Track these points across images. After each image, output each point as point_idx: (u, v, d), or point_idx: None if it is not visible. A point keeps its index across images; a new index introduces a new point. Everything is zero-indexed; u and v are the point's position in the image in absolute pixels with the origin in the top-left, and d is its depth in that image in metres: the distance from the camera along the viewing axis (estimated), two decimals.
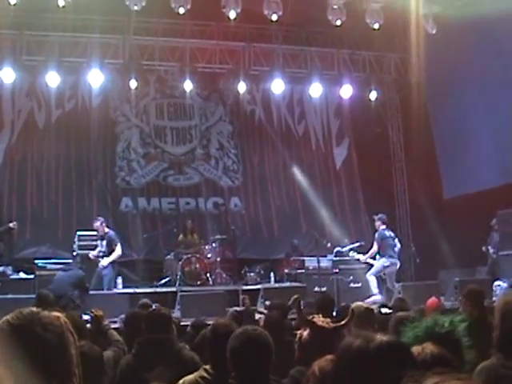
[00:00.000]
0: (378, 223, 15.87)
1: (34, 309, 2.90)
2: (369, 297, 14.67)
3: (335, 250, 16.89)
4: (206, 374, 4.58)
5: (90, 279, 14.63)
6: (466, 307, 8.13)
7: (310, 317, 4.72)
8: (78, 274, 13.49)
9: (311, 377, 3.09)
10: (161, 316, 5.95)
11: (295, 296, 5.78)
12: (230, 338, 4.11)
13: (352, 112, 20.28)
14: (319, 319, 4.57)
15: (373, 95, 19.30)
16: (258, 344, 4.01)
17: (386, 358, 2.29)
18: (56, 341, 2.71)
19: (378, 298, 14.51)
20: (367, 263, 16.06)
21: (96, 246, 15.34)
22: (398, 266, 15.90)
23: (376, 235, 15.71)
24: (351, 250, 16.63)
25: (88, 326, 6.94)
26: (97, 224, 15.35)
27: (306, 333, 4.50)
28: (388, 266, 15.59)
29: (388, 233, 15.84)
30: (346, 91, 19.04)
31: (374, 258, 15.78)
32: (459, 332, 3.53)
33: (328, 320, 4.62)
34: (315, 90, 18.97)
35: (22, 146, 18.21)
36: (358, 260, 16.23)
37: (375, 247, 15.60)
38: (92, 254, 15.08)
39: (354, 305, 6.71)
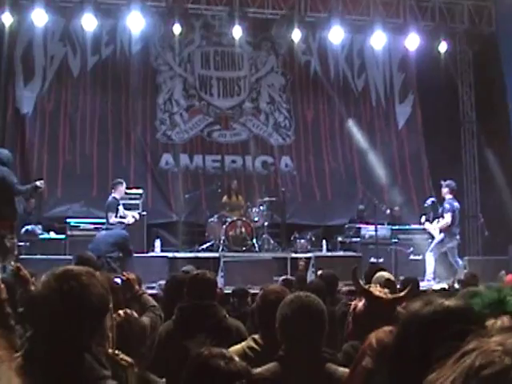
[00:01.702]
0: (445, 190, 15.55)
1: (76, 267, 2.99)
2: (421, 280, 14.51)
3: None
4: (254, 345, 4.62)
5: (140, 240, 14.88)
6: None
7: (367, 286, 4.74)
8: (120, 234, 13.65)
9: (368, 349, 3.10)
10: (205, 280, 5.99)
11: (354, 266, 5.77)
12: (280, 305, 4.14)
13: (418, 66, 20.02)
14: (376, 289, 4.59)
15: (442, 47, 19.01)
16: (311, 312, 4.01)
17: (458, 323, 2.29)
18: (90, 308, 2.78)
19: (431, 283, 14.39)
20: (430, 234, 15.97)
21: (133, 206, 15.52)
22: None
23: (447, 206, 15.36)
24: (424, 214, 16.25)
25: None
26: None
27: (361, 304, 4.52)
28: (451, 246, 15.43)
29: (456, 204, 15.61)
30: (412, 42, 18.79)
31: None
32: None
33: (386, 291, 4.64)
34: (377, 40, 18.77)
35: (55, 96, 18.37)
36: (424, 229, 16.08)
37: (448, 218, 15.25)
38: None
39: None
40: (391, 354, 2.50)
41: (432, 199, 16.89)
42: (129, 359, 3.46)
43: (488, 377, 1.14)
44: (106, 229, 13.88)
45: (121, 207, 14.67)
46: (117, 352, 3.32)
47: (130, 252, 13.49)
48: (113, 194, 14.54)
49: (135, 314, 4.95)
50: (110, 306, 2.99)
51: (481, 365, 1.16)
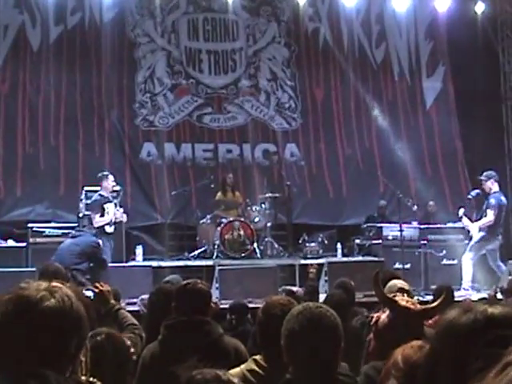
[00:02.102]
0: (488, 183, 15.51)
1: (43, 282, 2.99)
2: (457, 289, 14.52)
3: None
4: (256, 367, 4.63)
5: (118, 247, 14.97)
6: None
7: (392, 295, 4.75)
8: (88, 241, 13.59)
9: (393, 369, 3.11)
10: (197, 292, 5.99)
11: (377, 270, 5.77)
12: (285, 319, 4.13)
13: (450, 32, 20.04)
14: (402, 298, 4.60)
15: (479, 8, 19.04)
16: (323, 327, 3.99)
17: (506, 335, 2.29)
18: (65, 324, 2.79)
19: (469, 293, 14.39)
20: (467, 233, 15.97)
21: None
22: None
23: (492, 201, 15.33)
24: (462, 207, 16.19)
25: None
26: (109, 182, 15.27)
27: (384, 316, 4.52)
28: (492, 248, 15.44)
29: (504, 199, 15.58)
30: (443, 2, 18.82)
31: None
32: None
33: (414, 300, 4.64)
34: (400, 1, 18.80)
35: (11, 75, 18.33)
36: (463, 228, 16.09)
37: (491, 216, 15.23)
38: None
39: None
40: (422, 373, 2.51)
41: (477, 191, 16.86)
42: None
43: None
44: (73, 236, 13.84)
45: (111, 205, 14.86)
46: (91, 380, 3.32)
47: (102, 262, 13.43)
48: (99, 192, 14.88)
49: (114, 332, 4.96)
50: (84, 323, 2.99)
51: None
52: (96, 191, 15.38)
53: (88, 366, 3.14)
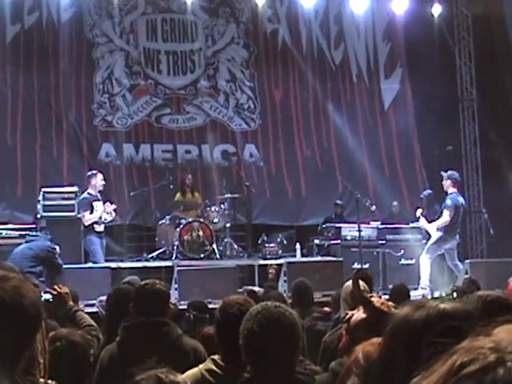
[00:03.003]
0: (447, 183, 15.61)
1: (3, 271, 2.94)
2: (415, 288, 14.63)
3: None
4: (214, 367, 4.61)
5: (76, 248, 14.89)
6: None
7: (369, 295, 4.76)
8: (42, 246, 13.53)
9: (354, 366, 3.12)
10: (156, 292, 5.97)
11: (357, 270, 5.81)
12: (244, 319, 4.12)
13: (407, 33, 20.17)
14: (378, 300, 4.61)
15: (436, 10, 19.17)
16: (282, 326, 3.98)
17: (457, 330, 2.31)
18: (23, 317, 2.74)
19: (426, 292, 14.49)
20: (426, 233, 16.08)
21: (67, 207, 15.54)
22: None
23: (448, 202, 15.47)
24: (420, 207, 16.32)
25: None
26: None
27: (358, 314, 4.53)
28: (449, 247, 15.57)
29: (461, 199, 15.71)
30: (400, 5, 18.96)
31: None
32: None
33: (390, 304, 4.65)
34: (358, 2, 18.91)
35: None
36: (418, 228, 16.21)
37: (447, 217, 15.36)
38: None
39: (345, 284, 6.79)
40: (376, 369, 2.52)
41: (429, 191, 17.07)
42: None
43: (468, 375, 1.17)
44: (27, 241, 13.81)
45: (99, 204, 15.15)
46: (49, 382, 3.28)
47: (57, 266, 13.35)
48: (88, 190, 15.22)
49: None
50: (42, 322, 2.95)
51: (462, 362, 1.20)
52: (54, 192, 15.40)
53: (46, 368, 3.10)
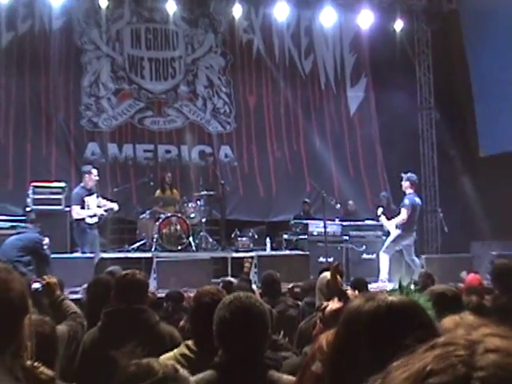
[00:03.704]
0: (405, 184, 15.68)
1: None
2: (375, 281, 14.68)
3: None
4: (187, 351, 4.61)
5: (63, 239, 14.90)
6: (495, 289, 8.20)
7: (345, 288, 4.78)
8: (30, 237, 13.47)
9: (318, 352, 3.12)
10: (135, 282, 5.96)
11: (335, 263, 5.81)
12: (217, 307, 4.12)
13: (372, 46, 20.20)
14: (353, 293, 4.63)
15: (398, 25, 19.24)
16: (252, 315, 3.99)
17: (405, 321, 2.34)
18: (10, 306, 2.73)
19: (385, 285, 14.54)
20: (385, 231, 16.14)
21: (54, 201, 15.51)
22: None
23: (406, 201, 15.54)
24: (381, 206, 16.36)
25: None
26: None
27: (333, 304, 4.54)
28: (407, 243, 15.63)
29: (418, 199, 15.78)
30: (365, 20, 18.99)
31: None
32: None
33: (363, 296, 4.66)
34: (327, 16, 18.96)
35: None
36: (382, 225, 16.24)
37: (404, 215, 15.42)
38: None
39: (321, 276, 6.83)
40: (331, 356, 2.53)
41: (384, 193, 17.21)
42: (50, 372, 3.40)
43: None
44: (17, 233, 13.78)
45: (91, 198, 15.12)
46: (36, 364, 3.26)
47: (44, 257, 13.30)
48: (81, 185, 15.26)
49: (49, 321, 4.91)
50: (30, 309, 2.94)
51: (432, 369, 1.15)
52: (43, 187, 15.51)
53: (33, 351, 3.09)
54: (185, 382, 2.84)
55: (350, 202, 18.36)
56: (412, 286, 9.33)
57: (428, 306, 3.69)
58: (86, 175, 15.40)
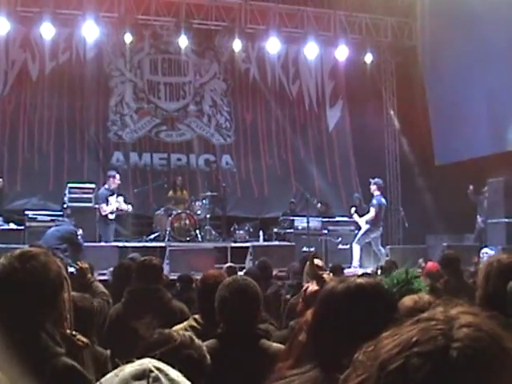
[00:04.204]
0: (373, 187, 15.81)
1: (33, 248, 2.96)
2: (348, 267, 14.71)
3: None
4: (195, 324, 4.65)
5: (92, 231, 15.11)
6: (444, 274, 8.26)
7: (320, 273, 4.82)
8: (67, 229, 13.56)
9: (304, 324, 3.16)
10: (152, 266, 6.02)
11: (313, 252, 5.89)
12: (219, 288, 4.16)
13: (347, 74, 20.20)
14: (328, 276, 4.67)
15: (368, 58, 19.27)
16: (246, 293, 4.03)
17: (371, 299, 2.39)
18: (49, 283, 2.76)
19: (356, 270, 14.56)
20: (357, 225, 16.18)
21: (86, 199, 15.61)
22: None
23: (374, 201, 15.62)
24: (354, 206, 16.38)
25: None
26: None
27: (312, 287, 4.58)
28: (375, 236, 15.70)
29: (383, 200, 15.85)
30: (342, 53, 19.02)
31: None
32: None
33: (337, 279, 4.69)
34: (311, 50, 18.97)
35: (15, 98, 18.09)
36: (354, 223, 16.27)
37: (373, 213, 15.48)
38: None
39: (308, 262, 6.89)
40: (310, 327, 2.57)
41: (356, 194, 17.29)
42: (85, 340, 3.44)
43: (418, 353, 1.15)
44: (57, 225, 13.90)
45: (112, 198, 15.64)
46: (74, 333, 3.30)
47: (78, 246, 13.38)
48: (104, 187, 15.76)
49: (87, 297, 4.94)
50: (68, 286, 2.97)
51: (417, 340, 1.17)
52: (77, 187, 15.70)
53: (72, 322, 3.11)
54: (199, 350, 2.88)
55: (319, 205, 18.09)
56: (379, 271, 9.38)
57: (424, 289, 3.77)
58: (111, 178, 15.87)
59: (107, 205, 15.44)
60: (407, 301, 3.30)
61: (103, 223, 15.67)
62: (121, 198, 15.99)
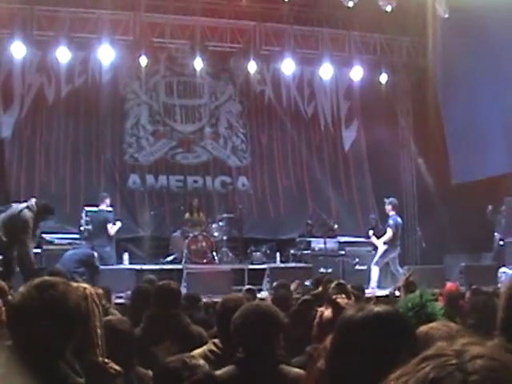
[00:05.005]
0: (388, 207, 15.73)
1: (52, 278, 2.95)
2: (366, 288, 14.63)
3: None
4: (214, 348, 4.63)
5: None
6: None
7: (334, 297, 4.79)
8: (84, 252, 13.59)
9: (323, 351, 3.15)
10: (170, 290, 6.00)
11: (326, 278, 5.86)
12: (237, 312, 4.13)
13: (362, 94, 20.22)
14: (343, 300, 4.64)
15: (383, 78, 19.28)
16: (266, 319, 4.02)
17: (386, 328, 2.39)
18: (68, 312, 2.76)
19: (375, 291, 14.50)
20: (374, 246, 16.11)
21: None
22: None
23: (391, 222, 15.53)
24: (371, 228, 16.33)
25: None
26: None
27: (327, 311, 4.55)
28: (393, 256, 15.63)
29: (399, 219, 15.79)
30: (357, 73, 19.06)
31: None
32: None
33: (351, 302, 4.67)
34: (325, 71, 19.00)
35: (32, 121, 18.24)
36: (371, 243, 16.19)
37: (390, 233, 15.40)
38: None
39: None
40: (328, 354, 2.57)
41: (372, 215, 17.24)
42: (117, 367, 3.42)
43: None
44: (74, 248, 13.99)
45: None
46: (106, 360, 3.29)
47: (95, 269, 13.38)
48: (107, 208, 16.03)
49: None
50: (100, 313, 2.96)
51: (434, 378, 1.16)
52: (95, 211, 15.82)
53: (104, 349, 3.11)
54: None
55: (336, 226, 17.94)
56: (397, 292, 9.32)
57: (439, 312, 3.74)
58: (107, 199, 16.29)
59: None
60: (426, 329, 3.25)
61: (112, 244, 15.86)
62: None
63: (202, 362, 3.02)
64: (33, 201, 12.49)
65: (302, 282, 9.57)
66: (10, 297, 5.20)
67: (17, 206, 12.42)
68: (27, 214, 12.12)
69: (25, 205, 12.34)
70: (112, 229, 15.67)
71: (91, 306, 2.97)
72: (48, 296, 2.71)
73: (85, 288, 3.11)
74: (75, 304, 2.78)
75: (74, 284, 3.24)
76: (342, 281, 6.66)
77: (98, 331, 2.93)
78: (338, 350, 2.47)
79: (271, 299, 7.98)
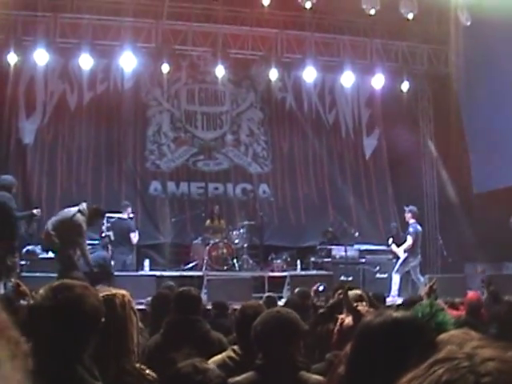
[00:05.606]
0: (408, 215, 15.67)
1: (70, 281, 2.96)
2: (387, 296, 14.58)
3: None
4: (233, 355, 4.64)
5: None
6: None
7: (355, 305, 4.79)
8: (98, 254, 13.65)
9: (344, 358, 3.16)
10: (191, 297, 6.00)
11: (347, 284, 5.86)
12: (257, 319, 4.13)
13: (383, 102, 20.18)
14: (364, 308, 4.64)
15: (405, 86, 19.21)
16: (287, 325, 4.02)
17: (403, 333, 2.39)
18: (83, 315, 2.76)
19: (395, 299, 14.43)
20: (394, 254, 16.05)
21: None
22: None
23: (411, 230, 15.47)
24: (391, 236, 16.28)
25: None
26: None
27: (348, 319, 4.56)
28: (414, 265, 15.56)
29: (419, 227, 15.73)
30: (378, 81, 19.00)
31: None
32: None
33: (372, 310, 4.67)
34: (347, 78, 18.97)
35: (54, 128, 18.39)
36: (391, 251, 16.13)
37: (410, 241, 15.34)
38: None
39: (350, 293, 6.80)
40: (348, 361, 2.57)
41: (393, 224, 17.16)
42: (154, 374, 3.41)
43: None
44: (91, 253, 14.03)
45: None
46: (142, 367, 3.29)
47: (106, 272, 13.40)
48: (129, 216, 16.03)
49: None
50: (137, 320, 2.96)
51: (447, 380, 1.17)
52: (114, 217, 15.84)
53: (139, 356, 3.11)
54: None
55: (357, 234, 17.98)
56: (441, 305, 9.28)
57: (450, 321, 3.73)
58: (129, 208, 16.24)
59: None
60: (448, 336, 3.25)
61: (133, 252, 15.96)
62: None
63: (212, 365, 3.03)
64: (84, 205, 12.64)
65: (317, 288, 9.56)
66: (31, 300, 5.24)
67: (69, 210, 12.62)
68: (80, 217, 12.32)
69: (76, 209, 12.51)
70: (135, 238, 15.69)
71: (129, 313, 2.98)
72: (62, 297, 2.73)
73: (123, 295, 3.12)
74: (92, 308, 2.78)
75: (113, 290, 3.26)
76: (359, 291, 6.66)
77: (135, 338, 2.94)
78: (357, 354, 2.48)
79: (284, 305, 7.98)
